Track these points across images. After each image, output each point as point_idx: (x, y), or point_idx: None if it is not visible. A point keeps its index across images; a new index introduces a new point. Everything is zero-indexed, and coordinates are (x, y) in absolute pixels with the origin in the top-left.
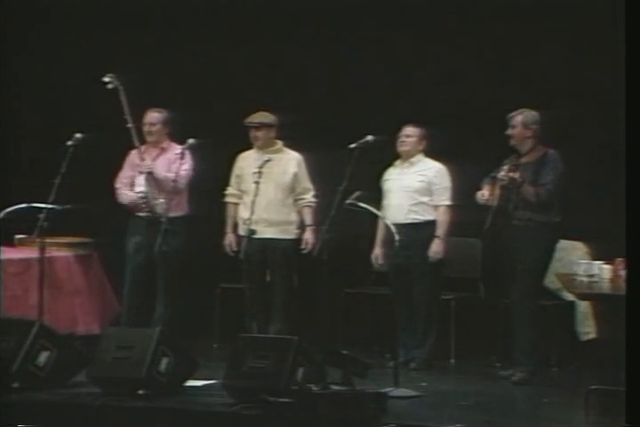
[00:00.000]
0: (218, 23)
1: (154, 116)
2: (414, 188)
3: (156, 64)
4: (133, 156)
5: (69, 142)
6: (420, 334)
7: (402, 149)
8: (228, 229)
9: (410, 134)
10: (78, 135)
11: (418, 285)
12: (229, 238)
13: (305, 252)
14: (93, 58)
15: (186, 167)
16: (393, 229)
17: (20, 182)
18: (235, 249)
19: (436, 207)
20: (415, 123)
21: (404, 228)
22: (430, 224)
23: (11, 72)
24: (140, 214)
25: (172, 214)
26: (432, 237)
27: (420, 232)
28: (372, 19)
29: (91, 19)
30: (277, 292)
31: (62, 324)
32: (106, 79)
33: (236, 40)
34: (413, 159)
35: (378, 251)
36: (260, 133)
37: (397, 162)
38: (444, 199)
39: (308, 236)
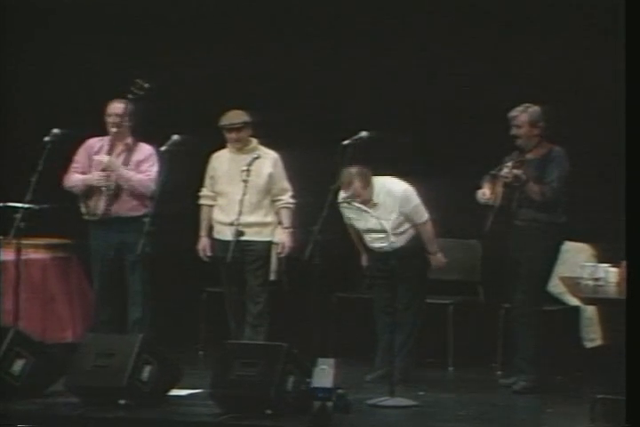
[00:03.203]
0: (200, 22)
1: (119, 107)
2: (385, 228)
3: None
4: (95, 145)
5: (46, 138)
6: (399, 344)
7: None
8: (203, 232)
9: (359, 193)
10: (56, 131)
11: (404, 292)
12: (203, 242)
13: (281, 256)
14: (86, 60)
15: (155, 169)
16: (387, 229)
17: None
18: (209, 254)
19: (417, 226)
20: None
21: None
22: (416, 238)
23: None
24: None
25: (133, 214)
26: (423, 251)
27: (406, 249)
28: (358, 15)
29: (88, 21)
30: (254, 295)
31: (36, 331)
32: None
33: (214, 39)
34: (371, 203)
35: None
36: (238, 135)
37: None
38: (421, 216)
39: (285, 239)
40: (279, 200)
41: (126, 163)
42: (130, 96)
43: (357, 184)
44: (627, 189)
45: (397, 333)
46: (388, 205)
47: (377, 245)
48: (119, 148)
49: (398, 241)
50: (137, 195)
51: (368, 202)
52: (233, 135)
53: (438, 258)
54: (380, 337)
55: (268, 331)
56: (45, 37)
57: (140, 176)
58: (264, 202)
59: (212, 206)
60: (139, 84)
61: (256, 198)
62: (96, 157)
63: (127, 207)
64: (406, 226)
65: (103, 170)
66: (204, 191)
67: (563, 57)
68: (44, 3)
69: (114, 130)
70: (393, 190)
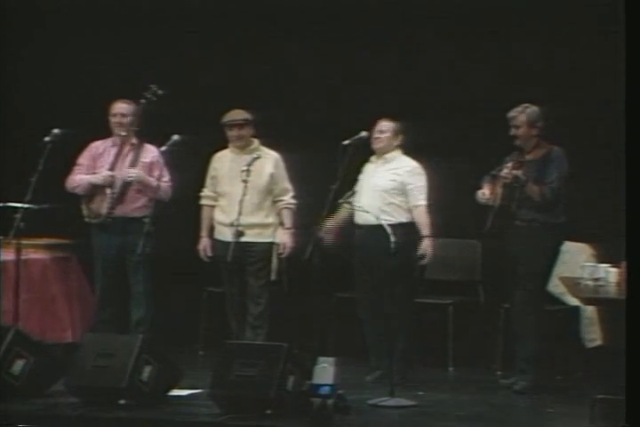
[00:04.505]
0: (201, 22)
1: (124, 107)
2: (384, 188)
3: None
4: (99, 147)
5: (47, 138)
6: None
7: (376, 146)
8: (203, 232)
9: (383, 130)
10: (56, 131)
11: (392, 288)
12: (204, 243)
13: (282, 256)
14: (86, 60)
15: (166, 179)
16: (389, 230)
17: None
18: (209, 254)
19: (412, 208)
20: (390, 117)
21: (375, 230)
22: (403, 226)
23: None
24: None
25: (136, 215)
26: (410, 239)
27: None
28: (358, 15)
29: (88, 21)
30: (255, 296)
31: (36, 331)
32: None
33: (214, 39)
34: (388, 155)
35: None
36: (239, 132)
37: (373, 158)
38: (420, 199)
39: (286, 239)
40: (281, 201)
41: (134, 164)
42: (142, 101)
43: (389, 133)
44: (627, 189)
45: (391, 334)
46: (396, 168)
47: (364, 219)
48: (125, 148)
49: (388, 216)
50: (147, 198)
51: (381, 156)
52: (234, 133)
53: (427, 244)
54: (369, 338)
55: (268, 331)
56: (45, 38)
57: (162, 184)
58: (265, 203)
59: (212, 207)
60: (152, 90)
61: (257, 199)
62: (124, 171)
63: (131, 208)
64: (396, 200)
65: (130, 179)
66: (205, 191)
67: (562, 56)
68: (43, 3)
69: (119, 131)
70: (406, 160)
